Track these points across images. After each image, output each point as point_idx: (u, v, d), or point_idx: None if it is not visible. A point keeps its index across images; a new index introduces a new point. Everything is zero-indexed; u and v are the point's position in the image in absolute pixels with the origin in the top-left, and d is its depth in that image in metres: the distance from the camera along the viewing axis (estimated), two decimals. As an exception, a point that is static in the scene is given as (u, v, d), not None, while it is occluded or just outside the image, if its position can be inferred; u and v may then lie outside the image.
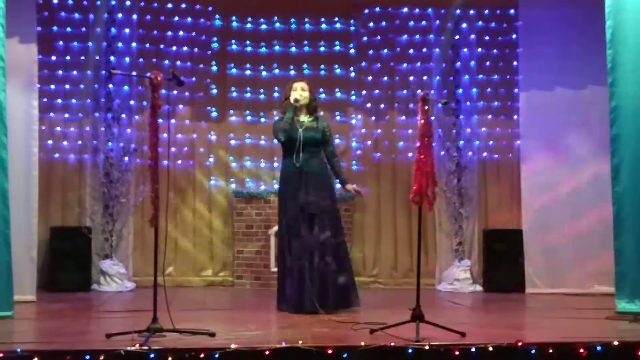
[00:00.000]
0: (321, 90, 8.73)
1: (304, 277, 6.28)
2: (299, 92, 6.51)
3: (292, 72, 8.94)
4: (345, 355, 4.43)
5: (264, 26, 9.09)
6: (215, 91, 9.06)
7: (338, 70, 9.09)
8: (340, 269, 6.45)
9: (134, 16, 8.76)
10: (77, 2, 8.63)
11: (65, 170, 8.61)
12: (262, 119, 9.03)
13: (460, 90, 8.87)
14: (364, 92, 9.11)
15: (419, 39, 9.05)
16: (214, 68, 9.06)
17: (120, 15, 8.66)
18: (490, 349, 4.52)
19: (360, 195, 6.86)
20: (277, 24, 9.09)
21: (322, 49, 9.08)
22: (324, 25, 9.11)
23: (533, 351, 4.55)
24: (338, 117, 9.02)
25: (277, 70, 9.02)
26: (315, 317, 6.02)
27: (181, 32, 8.99)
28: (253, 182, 8.98)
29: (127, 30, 8.69)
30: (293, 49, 9.08)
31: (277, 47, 9.07)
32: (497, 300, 7.74)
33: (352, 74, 9.12)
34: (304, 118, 6.55)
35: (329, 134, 6.65)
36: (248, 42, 9.06)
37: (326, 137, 6.59)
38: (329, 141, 6.64)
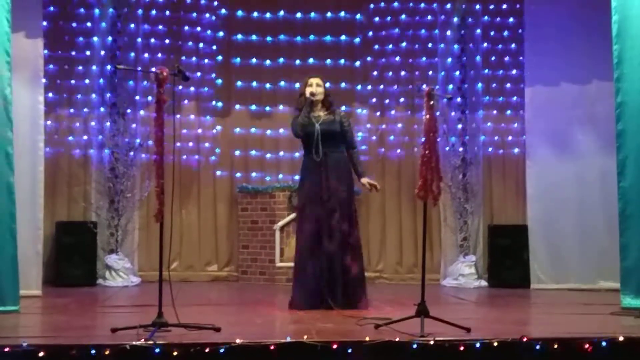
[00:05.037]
0: (327, 83, 8.73)
1: (321, 274, 6.25)
2: (314, 87, 6.50)
3: (298, 62, 8.99)
4: (350, 351, 4.43)
5: (268, 14, 9.10)
6: (220, 85, 9.08)
7: (343, 63, 9.11)
8: (356, 267, 6.42)
9: (139, 11, 8.77)
10: (83, -3, 8.67)
11: (70, 165, 8.64)
12: (267, 109, 9.06)
13: (466, 86, 8.87)
14: (369, 87, 9.12)
15: (425, 34, 9.06)
16: (219, 60, 9.07)
17: (125, 10, 8.67)
18: (495, 344, 4.52)
19: (376, 190, 6.78)
20: (282, 12, 9.09)
21: (327, 42, 9.10)
22: (329, 19, 9.12)
23: (538, 347, 4.54)
24: (343, 107, 8.95)
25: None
26: (320, 312, 6.02)
27: (186, 27, 9.01)
28: (258, 175, 9.00)
29: (132, 25, 8.71)
30: (299, 38, 9.10)
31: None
32: (502, 295, 7.73)
33: (358, 69, 9.13)
34: (321, 113, 6.54)
35: (347, 124, 6.58)
36: (253, 36, 9.10)
37: (344, 128, 6.51)
38: (348, 132, 6.56)
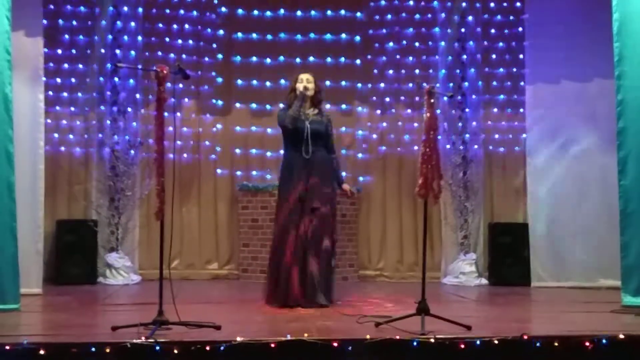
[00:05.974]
0: (327, 82, 8.72)
1: (300, 272, 6.26)
2: (305, 82, 6.52)
3: (298, 60, 8.99)
4: (350, 348, 4.44)
5: (268, 12, 9.08)
6: (220, 84, 9.08)
7: (344, 63, 9.09)
8: (329, 265, 6.43)
9: (140, 9, 8.77)
10: (83, -5, 8.66)
11: (71, 164, 8.63)
12: (268, 108, 9.03)
13: (467, 84, 8.85)
14: (369, 85, 9.11)
15: (425, 32, 9.05)
16: (220, 58, 9.07)
17: (125, 8, 8.67)
18: (496, 342, 4.53)
19: (353, 197, 6.89)
20: (282, 11, 9.07)
21: (328, 41, 9.08)
22: (330, 18, 9.10)
23: (538, 344, 4.55)
24: (343, 106, 9.00)
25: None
26: (320, 311, 6.03)
27: (187, 25, 9.00)
28: (259, 174, 9.00)
29: (132, 24, 8.70)
30: (299, 36, 9.08)
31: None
32: (502, 293, 7.73)
33: (358, 67, 9.11)
34: (309, 110, 6.55)
35: (331, 129, 6.66)
36: (254, 34, 9.08)
37: (328, 131, 6.60)
38: (330, 136, 6.63)
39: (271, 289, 6.41)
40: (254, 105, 9.09)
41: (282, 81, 8.89)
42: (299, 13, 9.09)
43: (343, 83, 9.04)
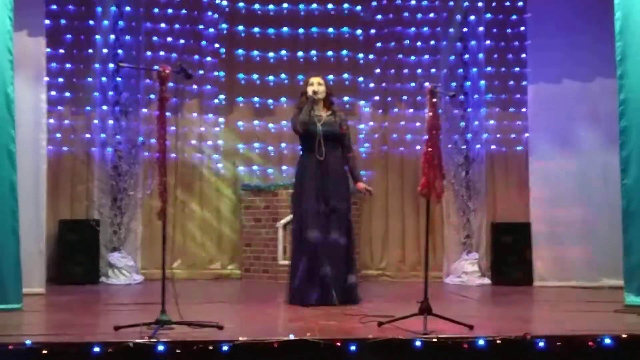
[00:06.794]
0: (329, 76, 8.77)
1: (316, 274, 6.29)
2: (316, 86, 6.53)
3: (301, 59, 9.01)
4: (353, 348, 4.43)
5: (271, 6, 9.10)
6: (223, 79, 9.07)
7: (345, 55, 9.09)
8: (349, 269, 6.46)
9: (141, 9, 8.76)
10: (85, -5, 8.66)
11: (73, 164, 8.64)
12: (270, 102, 9.05)
13: (469, 83, 8.85)
14: (371, 85, 9.11)
15: (427, 31, 9.05)
16: (222, 52, 9.08)
17: (127, 8, 8.67)
18: (499, 341, 4.52)
19: (370, 195, 6.90)
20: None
21: (330, 37, 9.09)
22: (332, 14, 9.11)
23: (541, 344, 4.54)
24: (347, 106, 9.00)
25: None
26: (323, 310, 6.03)
27: (188, 25, 9.00)
28: (261, 171, 9.00)
29: (134, 23, 8.70)
30: (301, 30, 9.10)
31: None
32: (505, 293, 7.73)
33: (360, 66, 9.11)
34: (322, 112, 6.57)
35: (346, 128, 6.66)
36: (256, 29, 9.10)
37: (343, 131, 6.60)
38: (345, 136, 6.64)
39: (291, 288, 6.46)
40: (256, 103, 9.09)
41: (283, 75, 8.95)
42: (301, 6, 9.07)
43: (345, 76, 9.03)
